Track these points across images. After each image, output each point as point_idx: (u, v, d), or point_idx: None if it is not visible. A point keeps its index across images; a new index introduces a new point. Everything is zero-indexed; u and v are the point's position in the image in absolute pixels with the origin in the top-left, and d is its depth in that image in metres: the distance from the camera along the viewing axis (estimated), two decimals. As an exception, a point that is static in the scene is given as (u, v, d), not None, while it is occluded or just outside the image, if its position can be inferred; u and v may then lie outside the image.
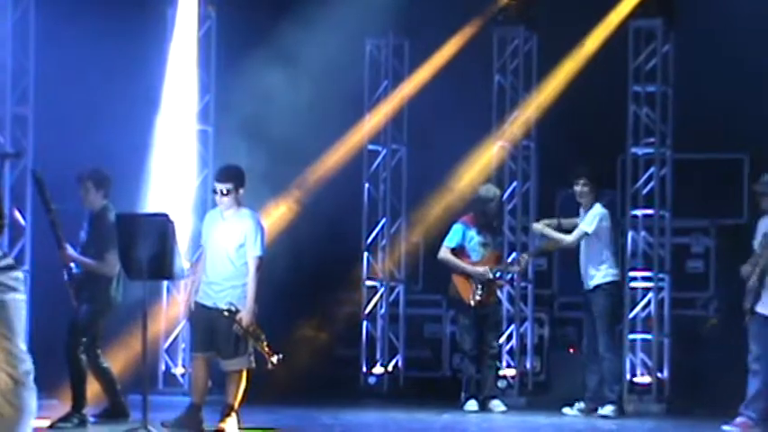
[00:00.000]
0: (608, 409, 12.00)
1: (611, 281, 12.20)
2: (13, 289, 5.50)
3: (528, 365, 14.24)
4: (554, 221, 12.38)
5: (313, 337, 14.67)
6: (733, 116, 13.37)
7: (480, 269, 12.40)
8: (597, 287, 12.08)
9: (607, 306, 12.14)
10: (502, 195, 13.35)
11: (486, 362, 12.51)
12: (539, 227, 12.36)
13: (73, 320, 10.20)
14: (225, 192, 9.66)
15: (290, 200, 14.24)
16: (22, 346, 5.39)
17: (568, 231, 12.25)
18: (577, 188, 12.14)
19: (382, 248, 14.62)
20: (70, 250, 10.08)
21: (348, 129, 14.49)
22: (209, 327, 9.69)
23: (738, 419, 10.60)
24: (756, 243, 10.79)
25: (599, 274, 12.09)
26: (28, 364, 5.53)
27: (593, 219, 12.12)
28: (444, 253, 12.53)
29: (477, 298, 12.39)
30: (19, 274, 5.52)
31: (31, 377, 5.65)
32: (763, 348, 10.52)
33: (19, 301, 5.42)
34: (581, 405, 12.13)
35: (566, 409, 12.15)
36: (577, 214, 12.41)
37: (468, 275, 12.42)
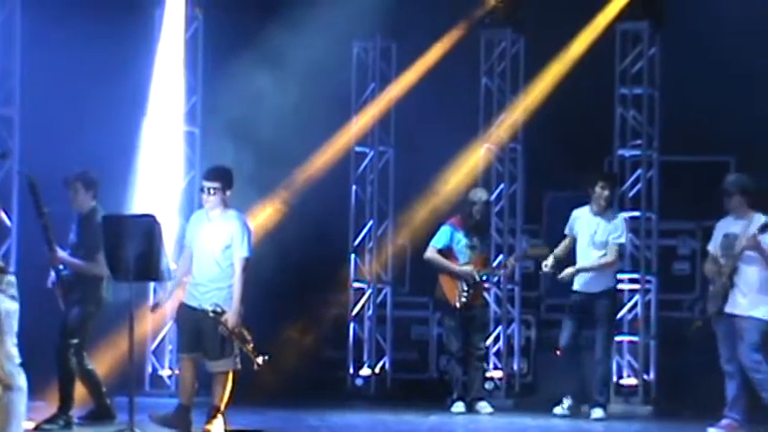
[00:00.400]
0: (599, 413, 12.00)
1: (616, 285, 12.30)
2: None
3: (515, 367, 14.29)
4: (549, 256, 12.29)
5: (299, 338, 14.68)
6: (719, 118, 13.41)
7: (467, 269, 12.41)
8: (604, 291, 12.06)
9: (612, 310, 12.22)
10: (490, 201, 13.33)
11: (473, 363, 12.52)
12: (570, 271, 11.98)
13: (63, 322, 10.20)
14: (212, 191, 9.66)
15: (277, 201, 14.25)
16: (12, 349, 5.40)
17: (562, 259, 12.10)
18: (600, 190, 11.96)
19: (369, 250, 14.64)
20: (61, 252, 10.10)
21: (335, 131, 14.50)
22: (196, 328, 9.68)
23: (724, 422, 10.64)
24: (713, 245, 10.78)
25: (607, 278, 12.11)
26: (16, 367, 5.53)
27: (622, 229, 12.10)
28: (431, 252, 12.54)
29: (463, 300, 12.41)
30: (9, 277, 5.52)
31: (19, 378, 5.67)
32: (733, 349, 10.54)
33: (6, 303, 5.42)
34: (569, 403, 12.09)
35: (556, 409, 12.10)
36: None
37: (454, 277, 12.44)
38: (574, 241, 12.16)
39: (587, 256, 12.04)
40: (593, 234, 12.04)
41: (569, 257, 12.18)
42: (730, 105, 13.34)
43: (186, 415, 9.77)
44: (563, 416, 12.03)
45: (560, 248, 12.16)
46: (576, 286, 12.08)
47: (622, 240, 12.16)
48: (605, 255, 12.02)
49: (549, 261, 12.09)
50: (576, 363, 12.08)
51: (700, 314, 13.55)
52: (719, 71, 13.40)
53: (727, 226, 10.71)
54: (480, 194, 12.67)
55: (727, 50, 13.08)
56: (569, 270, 12.02)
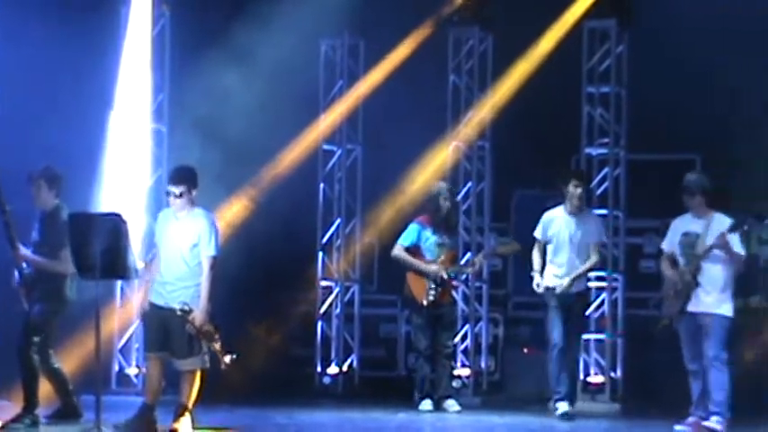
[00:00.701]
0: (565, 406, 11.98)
1: (588, 286, 12.29)
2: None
3: (482, 365, 14.28)
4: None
5: (267, 336, 14.66)
6: (685, 117, 13.42)
7: (434, 267, 12.38)
8: (582, 291, 11.97)
9: (586, 309, 12.17)
10: (455, 192, 13.30)
11: (441, 361, 12.51)
12: (568, 283, 11.68)
13: (26, 320, 10.16)
14: (178, 194, 9.66)
15: (244, 199, 14.22)
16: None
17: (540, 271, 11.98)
18: (573, 189, 11.74)
19: (337, 248, 14.63)
20: (24, 250, 10.06)
21: (303, 128, 14.48)
22: (163, 326, 9.66)
23: (690, 419, 10.66)
24: (668, 244, 10.75)
25: (585, 279, 12.01)
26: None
27: (602, 228, 12.06)
28: (398, 250, 12.51)
29: (431, 298, 12.39)
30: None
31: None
32: (697, 348, 10.54)
33: None
34: (566, 402, 11.91)
35: (558, 411, 11.76)
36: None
37: (422, 275, 12.44)
38: (545, 245, 11.90)
39: (567, 257, 11.77)
40: (573, 234, 11.80)
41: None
42: (696, 104, 13.36)
43: (150, 414, 9.75)
44: (565, 416, 11.65)
45: (538, 262, 11.84)
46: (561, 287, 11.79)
47: (604, 239, 12.11)
48: (589, 257, 11.89)
49: (538, 280, 11.80)
50: (563, 361, 11.83)
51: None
52: (686, 69, 13.40)
53: (685, 224, 10.70)
54: (441, 185, 12.66)
55: (693, 49, 13.08)
56: (566, 282, 11.74)
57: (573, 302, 11.84)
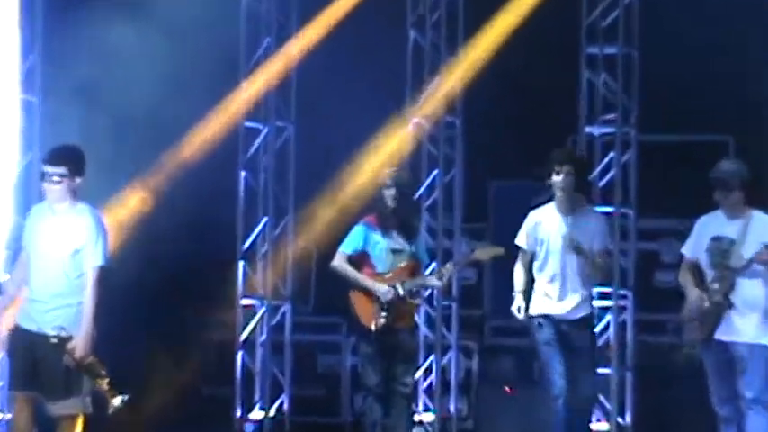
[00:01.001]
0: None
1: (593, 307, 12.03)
2: None
3: (451, 408, 14.34)
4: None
5: (172, 370, 14.54)
6: (715, 88, 13.53)
7: (383, 287, 12.14)
8: (588, 316, 11.65)
9: (594, 338, 11.84)
10: (414, 182, 13.11)
11: (397, 403, 12.37)
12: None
13: None
14: (57, 179, 9.54)
15: (142, 191, 14.11)
16: None
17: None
18: (555, 177, 11.28)
19: (263, 256, 14.65)
20: None
21: (219, 100, 14.47)
22: (33, 358, 9.51)
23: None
24: (692, 248, 10.63)
25: (588, 299, 11.63)
26: None
27: (607, 230, 11.74)
28: (339, 260, 12.28)
29: (381, 321, 12.20)
30: None
31: None
32: (728, 386, 10.42)
33: None
34: None
35: None
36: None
37: (367, 292, 12.24)
38: (532, 257, 11.56)
39: (561, 271, 11.32)
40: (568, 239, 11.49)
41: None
42: (728, 72, 13.53)
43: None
44: None
45: (521, 279, 11.46)
46: (555, 311, 11.35)
47: (610, 246, 11.97)
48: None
49: (520, 303, 11.40)
50: (573, 414, 11.55)
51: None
52: (714, 28, 13.47)
53: (716, 226, 10.56)
54: (389, 173, 12.40)
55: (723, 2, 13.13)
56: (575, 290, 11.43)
57: (575, 331, 11.51)
